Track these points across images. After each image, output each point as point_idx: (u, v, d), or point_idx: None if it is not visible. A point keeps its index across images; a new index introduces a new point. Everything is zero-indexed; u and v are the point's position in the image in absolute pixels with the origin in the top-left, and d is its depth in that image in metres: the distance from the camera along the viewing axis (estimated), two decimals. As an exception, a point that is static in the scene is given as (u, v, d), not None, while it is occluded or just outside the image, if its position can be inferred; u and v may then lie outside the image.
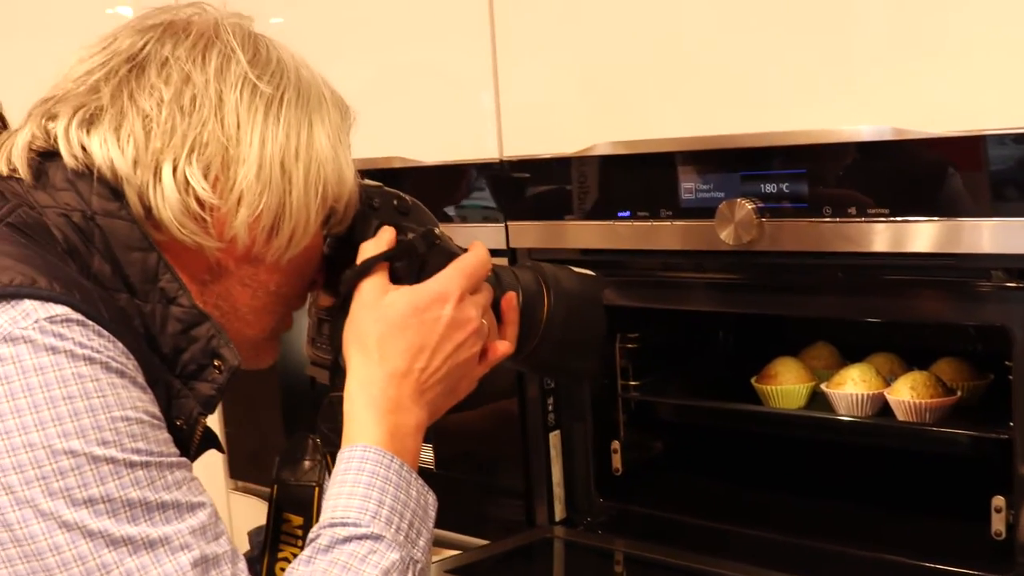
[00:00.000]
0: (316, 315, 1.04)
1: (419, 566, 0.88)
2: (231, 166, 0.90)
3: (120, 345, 0.78)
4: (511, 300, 1.07)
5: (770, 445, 1.60)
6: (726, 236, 1.27)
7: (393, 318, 0.94)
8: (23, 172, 0.88)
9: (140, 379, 0.79)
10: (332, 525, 0.86)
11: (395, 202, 1.04)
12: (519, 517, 1.58)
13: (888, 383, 1.47)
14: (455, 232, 1.57)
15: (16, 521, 0.71)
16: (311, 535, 0.86)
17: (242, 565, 0.80)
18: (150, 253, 0.88)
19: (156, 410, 0.80)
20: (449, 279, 0.97)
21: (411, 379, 0.94)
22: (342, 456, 0.90)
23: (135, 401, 0.77)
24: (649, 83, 1.35)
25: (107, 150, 0.87)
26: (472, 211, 1.56)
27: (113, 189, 0.88)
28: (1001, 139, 1.10)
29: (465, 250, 1.03)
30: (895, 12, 1.16)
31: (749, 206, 1.25)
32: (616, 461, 1.56)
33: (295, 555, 0.98)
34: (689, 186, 1.33)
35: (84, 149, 0.88)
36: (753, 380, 1.56)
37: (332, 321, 0.98)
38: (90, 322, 0.76)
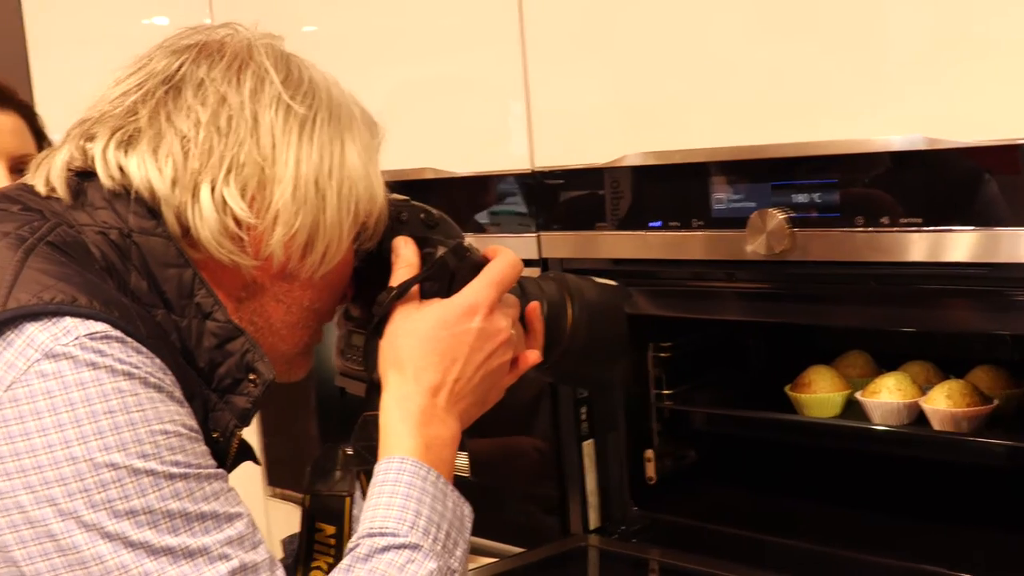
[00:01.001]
0: (346, 327, 1.06)
1: (456, 575, 0.89)
2: (267, 186, 0.91)
3: (158, 361, 0.79)
4: (536, 310, 1.08)
5: (805, 454, 1.59)
6: (757, 246, 1.27)
7: (425, 333, 0.95)
8: (61, 192, 0.90)
9: (177, 393, 0.80)
10: (371, 535, 0.87)
11: (422, 216, 1.05)
12: (554, 525, 1.58)
13: (924, 392, 1.46)
14: (488, 242, 1.59)
15: (60, 532, 0.73)
16: (350, 544, 0.88)
17: (280, 573, 0.81)
18: (185, 269, 0.90)
19: (193, 423, 0.81)
20: (477, 291, 0.98)
21: (445, 391, 0.95)
22: (379, 468, 0.92)
23: (172, 415, 0.78)
24: (680, 93, 1.36)
25: (144, 171, 0.89)
26: (505, 221, 1.57)
27: (150, 208, 0.89)
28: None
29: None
30: (927, 21, 1.16)
31: (781, 216, 1.26)
32: (650, 470, 1.57)
33: (329, 564, 0.99)
34: (720, 196, 1.33)
35: (121, 170, 0.90)
36: (787, 389, 1.56)
37: (366, 341, 1.00)
38: (129, 339, 0.78)
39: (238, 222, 0.90)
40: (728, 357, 1.70)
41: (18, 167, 1.31)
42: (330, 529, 1.02)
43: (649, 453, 1.57)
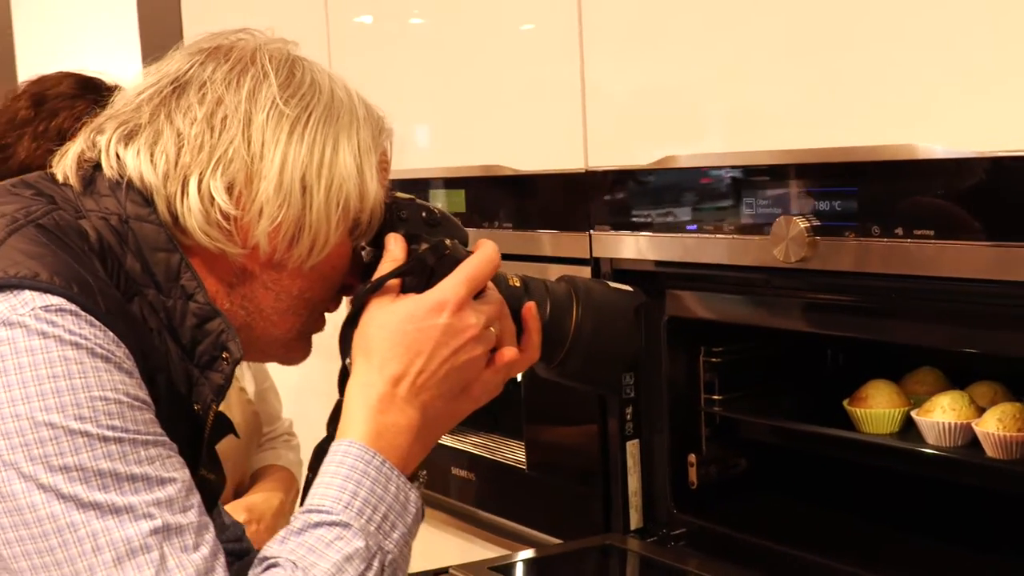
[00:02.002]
0: None
1: (390, 556, 0.93)
2: (254, 181, 0.98)
3: (111, 334, 0.87)
4: (531, 310, 1.10)
5: (859, 472, 1.55)
6: (783, 252, 1.25)
7: (393, 326, 1.00)
8: (73, 180, 0.99)
9: (127, 365, 0.88)
10: (308, 511, 0.92)
11: (424, 214, 1.09)
12: (597, 523, 1.60)
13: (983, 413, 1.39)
14: (540, 240, 1.62)
15: (1, 481, 0.82)
16: (292, 519, 0.94)
17: (208, 536, 0.87)
18: (173, 254, 0.98)
19: (141, 394, 0.88)
20: (446, 288, 1.01)
21: (406, 382, 0.99)
22: (331, 450, 0.97)
23: (116, 384, 0.86)
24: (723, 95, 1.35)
25: (139, 163, 0.97)
26: (558, 220, 1.60)
27: (145, 197, 0.98)
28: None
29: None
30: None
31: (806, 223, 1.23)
32: (692, 475, 1.56)
33: None
34: (765, 200, 1.31)
35: (120, 161, 0.98)
36: (845, 402, 1.52)
37: (342, 330, 1.05)
38: (83, 313, 0.86)
39: (223, 213, 0.97)
40: (795, 368, 1.66)
41: None
42: None
43: (692, 458, 1.56)
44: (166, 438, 0.89)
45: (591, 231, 1.54)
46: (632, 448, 1.56)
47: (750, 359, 1.59)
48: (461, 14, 1.75)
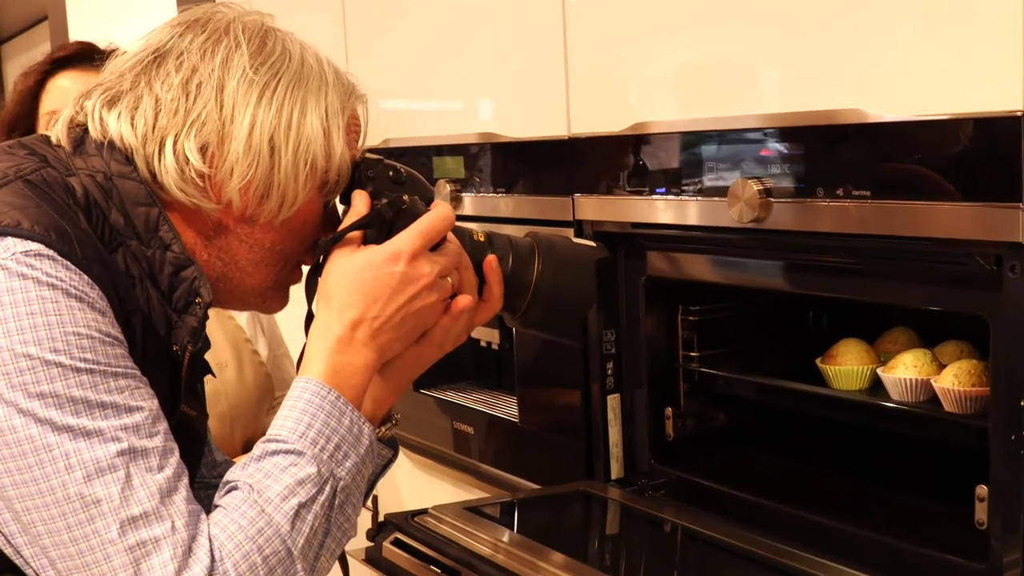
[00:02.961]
0: None
1: (341, 483, 1.03)
2: (225, 142, 1.07)
3: (86, 278, 0.97)
4: (491, 263, 1.19)
5: (826, 425, 1.61)
6: (737, 213, 1.31)
7: (352, 274, 1.09)
8: (64, 142, 1.10)
9: (100, 304, 0.97)
10: (267, 441, 1.02)
11: (391, 173, 1.18)
12: (580, 473, 1.68)
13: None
14: (527, 203, 1.70)
15: None
16: (253, 448, 1.03)
17: (173, 459, 0.97)
18: (152, 208, 1.07)
19: (113, 331, 0.98)
20: (402, 240, 1.10)
21: (364, 326, 1.08)
22: (291, 386, 1.07)
23: (88, 321, 0.95)
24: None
25: (120, 125, 1.07)
26: (544, 184, 1.67)
27: (126, 156, 1.08)
28: None
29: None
30: None
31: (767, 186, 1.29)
32: (669, 428, 1.63)
33: None
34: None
35: (103, 123, 1.08)
36: (818, 360, 1.58)
37: (307, 278, 1.14)
38: (60, 258, 0.96)
39: (197, 171, 1.07)
40: (774, 327, 1.72)
41: None
42: None
43: (668, 411, 1.63)
44: (136, 371, 0.99)
45: (574, 195, 1.61)
46: (613, 402, 1.64)
47: (727, 318, 1.65)
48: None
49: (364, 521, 1.27)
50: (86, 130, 1.10)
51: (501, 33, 1.76)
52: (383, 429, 1.15)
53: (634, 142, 1.48)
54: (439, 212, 1.13)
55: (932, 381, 1.43)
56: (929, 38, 1.14)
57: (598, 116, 1.55)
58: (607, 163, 1.54)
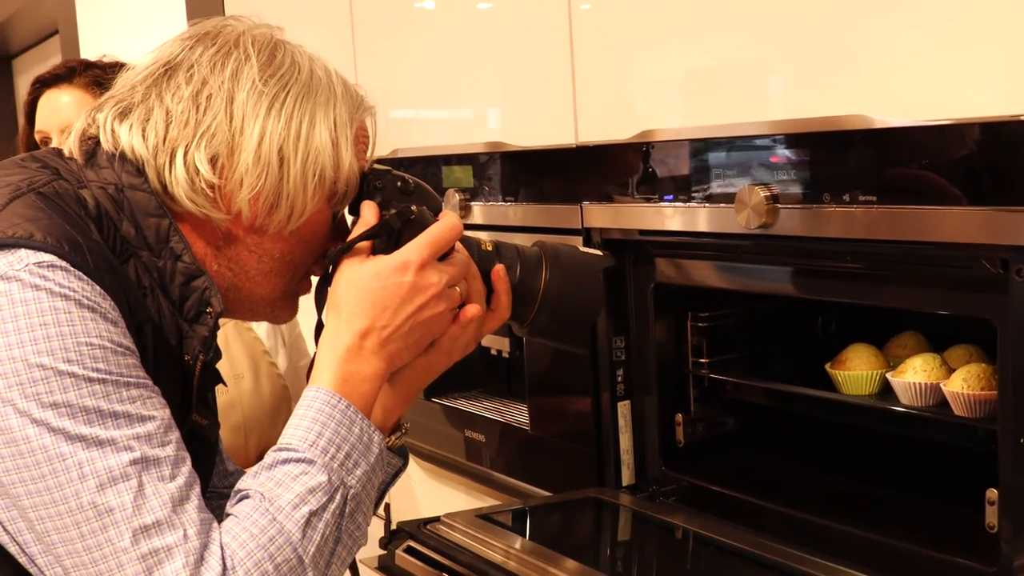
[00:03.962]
0: None
1: (352, 491, 1.03)
2: (235, 153, 1.08)
3: (98, 288, 0.98)
4: (499, 272, 1.19)
5: (836, 430, 1.61)
6: (744, 219, 1.32)
7: (361, 283, 1.10)
8: (76, 154, 1.11)
9: (112, 315, 0.98)
10: (278, 449, 1.03)
11: (399, 184, 1.19)
12: (592, 479, 1.68)
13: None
14: (535, 212, 1.71)
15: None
16: (264, 457, 1.04)
17: (184, 468, 0.98)
18: (163, 219, 1.08)
19: (125, 341, 0.99)
20: (411, 250, 1.11)
21: (373, 335, 1.09)
22: (302, 396, 1.07)
23: (101, 331, 0.97)
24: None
25: (131, 137, 1.09)
26: (553, 193, 1.68)
27: (137, 167, 1.09)
28: None
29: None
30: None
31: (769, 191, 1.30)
32: (679, 434, 1.63)
33: None
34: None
35: (115, 135, 1.09)
36: (827, 366, 1.58)
37: (317, 288, 1.15)
38: (72, 269, 0.97)
39: (208, 183, 1.08)
40: (784, 332, 1.72)
41: None
42: None
43: (679, 417, 1.63)
44: (148, 381, 1.00)
45: (582, 203, 1.62)
46: (623, 408, 1.64)
47: (737, 323, 1.65)
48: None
49: (377, 529, 1.28)
50: (98, 142, 1.12)
51: (508, 43, 1.77)
52: (393, 438, 1.16)
53: (641, 150, 1.49)
54: (447, 222, 1.14)
55: (942, 385, 1.43)
56: (934, 44, 1.15)
57: (605, 124, 1.56)
58: (615, 171, 1.55)
